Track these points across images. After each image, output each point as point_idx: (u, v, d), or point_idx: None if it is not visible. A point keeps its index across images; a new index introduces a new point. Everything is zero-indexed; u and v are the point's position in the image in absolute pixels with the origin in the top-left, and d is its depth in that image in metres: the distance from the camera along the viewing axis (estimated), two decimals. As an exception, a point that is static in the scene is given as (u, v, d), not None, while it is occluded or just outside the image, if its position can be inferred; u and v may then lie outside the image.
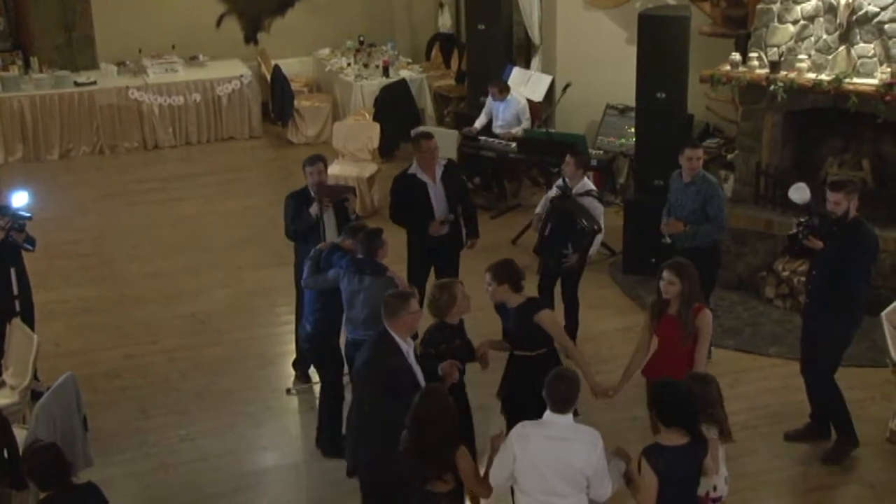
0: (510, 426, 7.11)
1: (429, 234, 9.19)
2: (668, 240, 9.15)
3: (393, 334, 6.38)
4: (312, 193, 8.72)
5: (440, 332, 6.96)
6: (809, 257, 8.12)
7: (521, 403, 7.03)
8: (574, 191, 9.27)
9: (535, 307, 7.11)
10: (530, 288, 9.33)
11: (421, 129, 9.61)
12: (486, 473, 5.85)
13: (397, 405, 6.08)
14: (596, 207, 9.35)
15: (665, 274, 7.08)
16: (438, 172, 9.28)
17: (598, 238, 9.43)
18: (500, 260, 7.20)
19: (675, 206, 9.11)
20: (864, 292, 7.81)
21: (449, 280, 7.12)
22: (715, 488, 6.10)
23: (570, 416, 5.75)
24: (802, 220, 7.87)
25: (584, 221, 9.13)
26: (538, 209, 9.67)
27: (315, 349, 8.20)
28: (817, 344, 7.93)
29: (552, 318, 7.23)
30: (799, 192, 7.87)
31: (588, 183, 9.52)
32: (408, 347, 6.45)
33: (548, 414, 5.75)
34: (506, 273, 7.05)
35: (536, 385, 6.95)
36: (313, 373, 9.19)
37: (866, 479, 7.82)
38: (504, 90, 12.81)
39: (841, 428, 8.02)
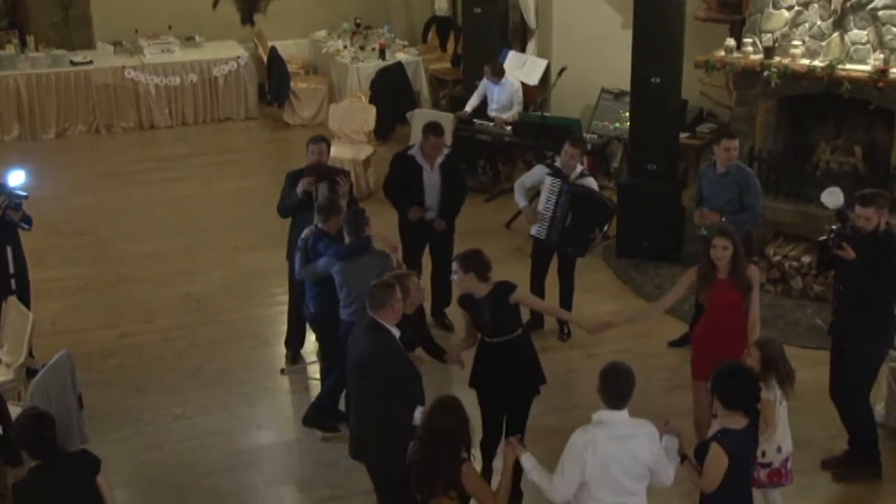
0: (487, 415, 7.22)
1: (410, 216, 9.22)
2: (703, 231, 9.03)
3: (383, 322, 6.34)
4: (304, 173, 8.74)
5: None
6: (837, 269, 7.66)
7: (499, 389, 7.08)
8: (573, 176, 9.25)
9: (508, 289, 7.08)
10: (522, 272, 9.40)
11: (434, 116, 9.59)
12: (502, 488, 5.64)
13: (403, 399, 6.12)
14: (594, 184, 9.38)
15: (716, 241, 7.21)
16: (438, 160, 9.29)
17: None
18: (468, 250, 7.15)
19: (709, 196, 9.01)
20: (893, 308, 7.48)
21: (403, 272, 7.02)
22: (764, 454, 6.36)
23: (626, 411, 5.57)
24: (834, 227, 7.50)
25: (610, 201, 9.17)
26: (522, 202, 9.58)
27: (322, 328, 8.20)
28: (847, 364, 7.55)
29: (526, 293, 7.34)
30: (832, 197, 7.58)
31: (580, 166, 9.50)
32: (397, 333, 6.41)
33: (605, 413, 5.57)
34: (472, 262, 6.99)
35: (516, 370, 7.08)
36: (306, 353, 9.25)
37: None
38: (498, 72, 12.80)
39: (866, 453, 7.66)
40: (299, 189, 8.64)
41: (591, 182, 9.30)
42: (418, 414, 6.04)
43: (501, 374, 7.08)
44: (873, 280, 7.27)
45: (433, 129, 9.31)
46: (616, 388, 5.55)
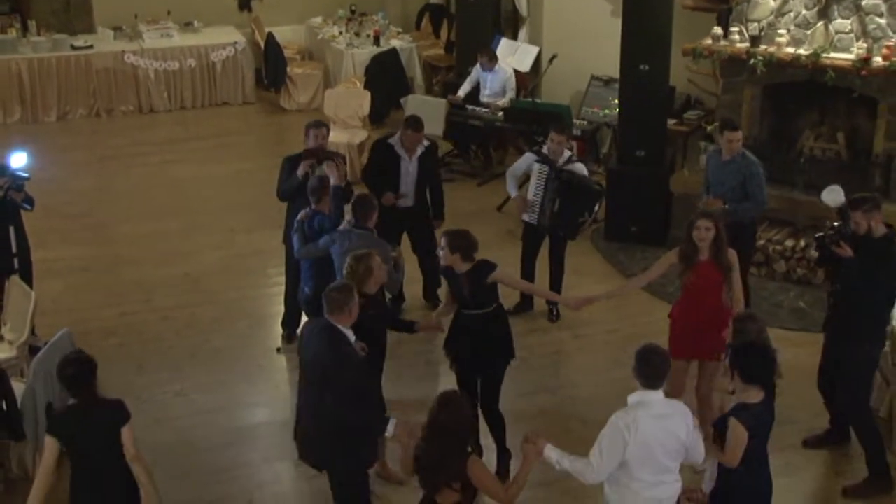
0: (462, 382, 7.37)
1: (384, 201, 9.17)
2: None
3: (339, 326, 6.19)
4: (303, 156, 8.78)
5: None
6: (835, 267, 7.58)
7: (473, 358, 7.29)
8: (560, 162, 9.30)
9: (488, 269, 7.20)
10: (513, 255, 9.46)
11: (415, 115, 9.61)
12: (518, 481, 5.61)
13: (360, 403, 6.10)
14: (583, 169, 9.43)
15: (700, 222, 7.30)
16: (418, 151, 9.35)
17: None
18: (458, 230, 7.24)
19: (714, 183, 9.06)
20: (888, 313, 7.44)
21: (366, 251, 7.00)
22: None
23: (661, 391, 5.63)
24: (835, 224, 7.43)
25: (596, 185, 9.24)
26: (513, 191, 9.66)
27: (317, 311, 8.22)
28: (843, 369, 7.42)
29: (506, 272, 7.41)
30: (832, 195, 7.55)
31: (567, 152, 9.55)
32: (352, 337, 6.26)
33: (642, 394, 5.60)
34: (459, 244, 7.10)
35: (487, 339, 7.21)
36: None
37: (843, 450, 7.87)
38: (493, 59, 12.84)
39: (874, 464, 7.42)
40: (300, 172, 8.67)
41: (580, 167, 9.36)
42: (391, 427, 6.04)
43: (471, 344, 7.27)
44: (869, 283, 7.17)
45: (411, 123, 9.35)
46: (653, 367, 5.60)
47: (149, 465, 6.18)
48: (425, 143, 9.45)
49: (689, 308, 7.50)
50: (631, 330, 9.22)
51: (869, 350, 7.40)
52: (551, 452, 5.66)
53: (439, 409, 5.51)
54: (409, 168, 9.34)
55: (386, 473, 7.41)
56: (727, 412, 5.92)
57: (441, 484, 5.46)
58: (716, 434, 5.90)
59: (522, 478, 5.59)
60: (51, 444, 5.94)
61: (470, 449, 5.56)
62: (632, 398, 5.64)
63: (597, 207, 9.38)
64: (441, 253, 7.19)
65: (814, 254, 8.60)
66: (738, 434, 5.75)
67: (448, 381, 7.69)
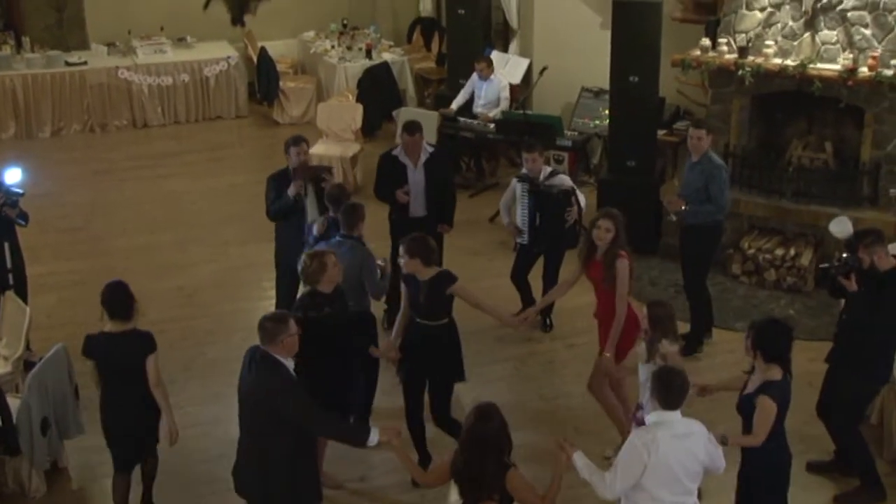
0: (409, 392, 7.41)
1: (399, 205, 9.23)
2: (672, 217, 9.20)
3: (277, 357, 5.98)
4: (291, 174, 8.71)
5: (311, 298, 6.89)
6: (844, 298, 7.41)
7: (420, 368, 7.29)
8: (542, 178, 9.28)
9: (448, 280, 7.20)
10: (505, 264, 9.43)
11: (411, 119, 9.61)
12: (551, 491, 5.55)
13: (297, 433, 6.01)
14: (566, 179, 9.41)
15: (601, 222, 7.42)
16: (422, 158, 9.28)
17: (581, 197, 9.41)
18: (415, 235, 7.25)
19: (683, 183, 9.13)
20: (892, 348, 7.23)
21: (322, 250, 7.04)
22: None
23: (679, 411, 5.60)
24: (844, 255, 7.23)
25: (565, 186, 9.21)
26: (506, 218, 9.61)
27: None
28: (840, 396, 7.31)
29: (465, 287, 7.34)
30: (840, 226, 7.41)
31: (547, 167, 9.51)
32: (290, 365, 6.08)
33: (662, 414, 5.57)
34: (418, 248, 7.11)
35: (438, 351, 7.19)
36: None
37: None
38: (490, 65, 12.84)
39: (866, 479, 7.37)
40: (291, 192, 8.59)
41: (562, 179, 9.34)
42: (374, 436, 5.97)
43: (420, 355, 7.26)
44: (874, 316, 6.99)
45: (405, 127, 9.36)
46: (672, 389, 5.57)
47: (167, 392, 6.88)
48: (428, 149, 9.40)
49: (601, 301, 7.67)
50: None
51: (868, 384, 7.30)
52: (579, 460, 5.67)
53: (477, 422, 5.45)
54: (416, 176, 9.25)
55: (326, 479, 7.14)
56: (751, 392, 6.02)
57: (483, 497, 5.43)
58: (741, 414, 6.07)
59: (557, 485, 5.54)
60: (88, 366, 6.86)
61: (509, 461, 5.49)
62: (650, 418, 5.65)
63: (576, 206, 9.24)
64: (401, 261, 7.17)
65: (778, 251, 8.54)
66: (768, 408, 5.91)
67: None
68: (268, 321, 6.03)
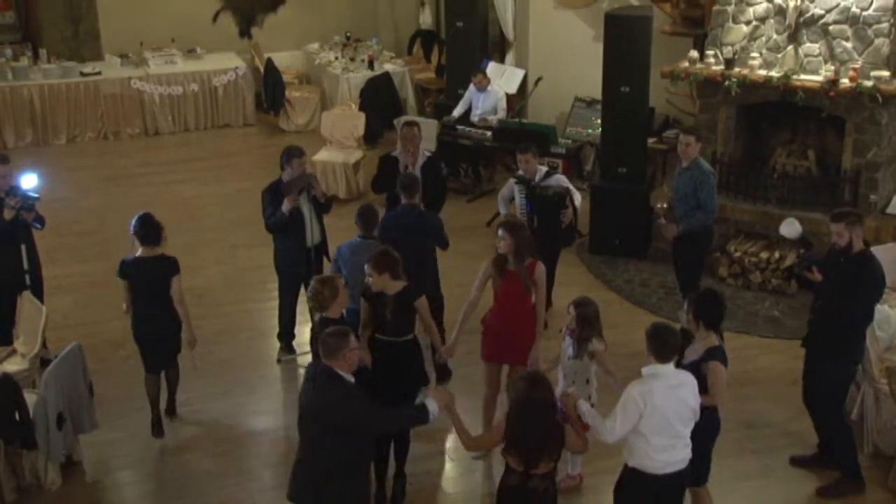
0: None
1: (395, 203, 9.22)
2: (662, 221, 9.24)
3: (339, 372, 5.85)
4: (283, 188, 8.67)
5: (323, 327, 6.40)
6: (814, 289, 7.39)
7: (384, 385, 6.83)
8: (537, 179, 9.33)
9: (416, 293, 7.10)
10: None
11: (408, 117, 9.68)
12: (582, 431, 6.01)
13: (357, 445, 5.91)
14: (562, 179, 9.43)
15: (500, 232, 7.29)
16: (420, 161, 9.30)
17: (577, 197, 9.41)
18: (379, 251, 7.06)
19: (674, 189, 9.15)
20: (865, 329, 7.24)
21: (329, 275, 6.81)
22: (589, 397, 6.83)
23: (672, 364, 5.90)
24: (802, 251, 7.26)
25: (560, 187, 9.22)
26: (503, 209, 9.63)
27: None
28: (819, 381, 7.30)
29: (425, 304, 7.20)
30: (789, 227, 7.41)
31: (541, 167, 9.53)
32: (352, 380, 5.94)
33: (656, 367, 5.83)
34: (385, 262, 6.92)
35: (400, 369, 6.96)
36: (298, 345, 9.28)
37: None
38: (485, 78, 12.90)
39: (847, 468, 7.36)
40: (286, 208, 8.54)
41: (558, 178, 9.38)
42: (432, 406, 5.94)
43: (387, 373, 6.96)
44: (846, 301, 6.97)
45: (405, 122, 9.51)
46: (666, 343, 5.84)
47: (188, 308, 7.93)
48: (426, 153, 9.41)
49: (501, 315, 7.42)
50: (615, 339, 9.15)
51: (844, 367, 7.24)
52: (582, 405, 6.10)
53: (531, 388, 5.63)
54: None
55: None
56: (698, 359, 6.21)
57: (544, 458, 5.63)
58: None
59: (584, 432, 5.99)
60: (121, 284, 7.91)
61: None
62: (646, 370, 5.88)
63: (570, 206, 9.25)
64: (370, 280, 6.93)
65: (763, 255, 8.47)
66: (721, 372, 6.18)
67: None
68: (330, 337, 5.88)
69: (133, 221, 7.83)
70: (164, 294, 7.77)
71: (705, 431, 6.25)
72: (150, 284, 7.78)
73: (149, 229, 7.76)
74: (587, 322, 6.85)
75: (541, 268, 7.38)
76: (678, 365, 6.16)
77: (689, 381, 5.93)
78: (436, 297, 8.66)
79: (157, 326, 7.86)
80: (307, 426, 5.94)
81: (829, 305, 7.13)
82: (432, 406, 5.97)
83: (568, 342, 7.03)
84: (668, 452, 5.90)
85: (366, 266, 6.94)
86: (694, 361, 6.25)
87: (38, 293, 8.67)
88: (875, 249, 7.31)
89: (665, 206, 9.16)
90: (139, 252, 7.78)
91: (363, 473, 6.11)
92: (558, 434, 5.69)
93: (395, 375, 6.99)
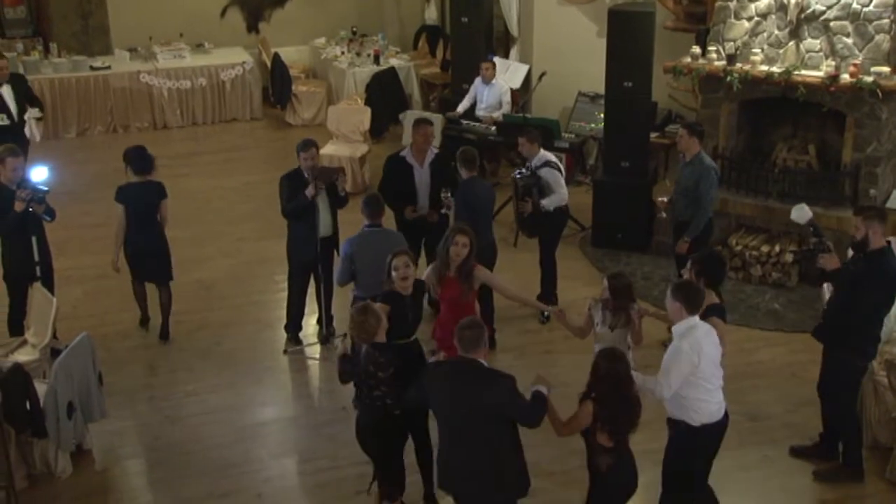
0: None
1: (407, 216, 9.23)
2: (663, 215, 9.37)
3: (481, 361, 5.78)
4: (307, 175, 8.71)
5: (380, 353, 6.15)
6: (830, 279, 7.36)
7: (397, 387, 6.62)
8: (533, 163, 9.37)
9: (423, 286, 7.12)
10: (505, 261, 9.44)
11: (423, 115, 9.66)
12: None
13: (513, 423, 5.85)
14: (553, 175, 9.39)
15: (458, 238, 7.17)
16: (428, 158, 9.29)
17: (556, 198, 9.37)
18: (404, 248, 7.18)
19: (676, 182, 9.19)
20: (876, 325, 7.10)
21: (369, 304, 6.35)
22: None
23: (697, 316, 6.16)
24: (812, 240, 7.22)
25: (528, 177, 9.31)
26: None
27: None
28: (831, 375, 7.28)
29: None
30: (799, 212, 7.33)
31: (546, 154, 9.52)
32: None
33: (690, 320, 6.09)
34: (414, 259, 7.00)
35: (417, 368, 6.63)
36: (304, 336, 9.31)
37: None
38: (494, 68, 12.90)
39: (849, 457, 7.36)
40: (309, 193, 8.59)
41: (547, 171, 9.36)
42: (545, 390, 5.88)
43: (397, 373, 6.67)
44: (857, 295, 6.93)
45: (422, 120, 9.48)
46: (697, 295, 6.17)
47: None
48: (434, 150, 9.42)
49: (445, 322, 7.12)
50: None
51: (854, 360, 7.16)
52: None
53: (614, 362, 5.74)
54: (423, 176, 9.25)
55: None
56: (700, 315, 6.31)
57: (631, 431, 5.74)
58: None
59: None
60: (119, 209, 8.95)
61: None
62: (681, 326, 6.11)
63: (531, 200, 9.31)
64: (409, 277, 6.81)
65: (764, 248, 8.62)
66: (721, 326, 6.45)
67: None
68: (466, 329, 5.77)
69: (129, 152, 9.17)
70: (153, 215, 9.03)
71: None
72: (142, 207, 8.96)
73: (144, 160, 9.04)
74: (622, 292, 6.84)
75: (481, 267, 7.34)
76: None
77: (711, 327, 6.22)
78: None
79: (146, 243, 9.02)
80: (464, 425, 5.74)
81: (843, 299, 7.08)
82: (545, 391, 5.91)
83: (600, 315, 6.96)
84: (718, 394, 6.22)
85: (404, 261, 6.81)
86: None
87: (49, 284, 8.67)
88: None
89: (666, 199, 9.15)
90: (133, 179, 9.02)
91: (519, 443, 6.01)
92: (638, 407, 5.77)
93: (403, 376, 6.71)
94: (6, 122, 11.15)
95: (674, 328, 6.22)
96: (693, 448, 6.33)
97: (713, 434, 6.31)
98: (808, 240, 7.54)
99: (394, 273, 6.83)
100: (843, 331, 7.09)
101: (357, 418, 6.48)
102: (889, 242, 7.03)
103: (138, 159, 9.10)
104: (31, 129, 10.70)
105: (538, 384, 5.94)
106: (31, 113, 11.73)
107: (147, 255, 9.08)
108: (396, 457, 6.54)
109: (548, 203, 9.34)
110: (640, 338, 6.98)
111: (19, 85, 11.48)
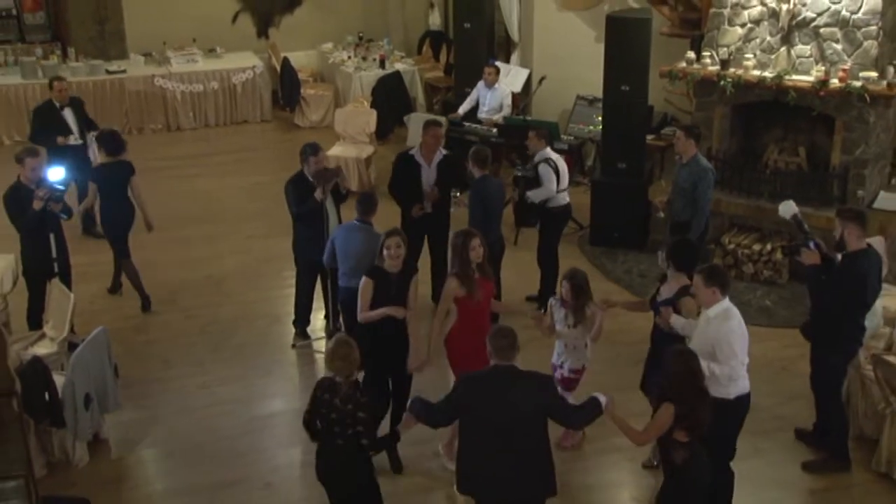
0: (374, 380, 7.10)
1: (413, 213, 9.29)
2: (660, 214, 9.49)
3: (521, 368, 5.74)
4: (311, 179, 8.71)
5: (363, 394, 5.98)
6: (811, 277, 7.25)
7: (383, 359, 7.06)
8: (535, 159, 9.47)
9: (414, 270, 7.23)
10: (506, 259, 9.47)
11: (432, 117, 9.71)
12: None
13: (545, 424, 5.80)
14: (546, 171, 9.45)
15: (473, 242, 7.01)
16: (436, 158, 9.32)
17: (542, 192, 9.45)
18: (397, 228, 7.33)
19: (673, 182, 9.22)
20: (853, 327, 7.10)
21: (344, 336, 6.14)
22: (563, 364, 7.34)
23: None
24: (801, 235, 7.25)
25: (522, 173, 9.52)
26: None
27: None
28: (817, 372, 7.34)
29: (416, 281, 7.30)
30: (785, 207, 7.38)
31: (547, 152, 9.56)
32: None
33: (725, 301, 6.32)
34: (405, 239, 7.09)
35: (395, 344, 7.06)
36: (312, 331, 9.35)
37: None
38: (497, 72, 12.93)
39: (837, 449, 7.40)
40: (319, 196, 8.59)
41: (542, 168, 9.45)
42: (605, 401, 5.79)
43: (385, 348, 7.05)
44: (829, 294, 6.98)
45: (431, 122, 9.54)
46: (727, 278, 6.44)
47: (144, 202, 9.77)
48: (443, 151, 9.45)
49: (465, 332, 7.04)
50: (614, 327, 9.18)
51: (834, 360, 7.18)
52: (677, 321, 6.70)
53: (687, 360, 5.75)
54: (429, 175, 9.29)
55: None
56: (672, 296, 6.78)
57: (706, 421, 5.69)
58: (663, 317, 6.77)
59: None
60: (92, 187, 9.68)
61: None
62: (717, 308, 6.32)
63: (513, 196, 9.63)
64: (401, 252, 6.96)
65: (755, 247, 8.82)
66: (691, 304, 6.66)
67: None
68: (502, 338, 5.65)
69: (100, 135, 9.94)
70: (124, 191, 9.58)
71: None
72: (114, 184, 9.52)
73: (116, 142, 9.61)
74: (581, 290, 7.14)
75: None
76: (653, 301, 7.01)
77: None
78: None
79: (125, 216, 9.64)
80: (511, 432, 5.62)
81: (813, 298, 7.22)
82: (603, 399, 5.81)
83: (561, 313, 7.22)
84: (745, 366, 6.47)
85: (395, 241, 6.94)
86: (666, 299, 6.84)
87: (66, 280, 8.73)
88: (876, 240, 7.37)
89: (664, 199, 9.20)
90: (104, 160, 9.71)
91: None
92: (709, 394, 5.80)
93: (393, 350, 7.10)
94: (78, 141, 11.22)
95: (709, 311, 6.32)
96: (735, 417, 6.54)
97: (746, 402, 6.55)
98: (798, 236, 7.53)
99: (385, 252, 6.97)
100: (819, 329, 7.15)
101: (318, 465, 6.13)
102: (870, 245, 7.04)
103: (111, 141, 9.62)
104: (95, 151, 10.76)
105: (599, 393, 5.88)
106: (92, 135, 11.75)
107: (127, 227, 9.73)
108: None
109: (533, 195, 9.46)
110: (599, 333, 7.16)
111: (78, 108, 11.50)
